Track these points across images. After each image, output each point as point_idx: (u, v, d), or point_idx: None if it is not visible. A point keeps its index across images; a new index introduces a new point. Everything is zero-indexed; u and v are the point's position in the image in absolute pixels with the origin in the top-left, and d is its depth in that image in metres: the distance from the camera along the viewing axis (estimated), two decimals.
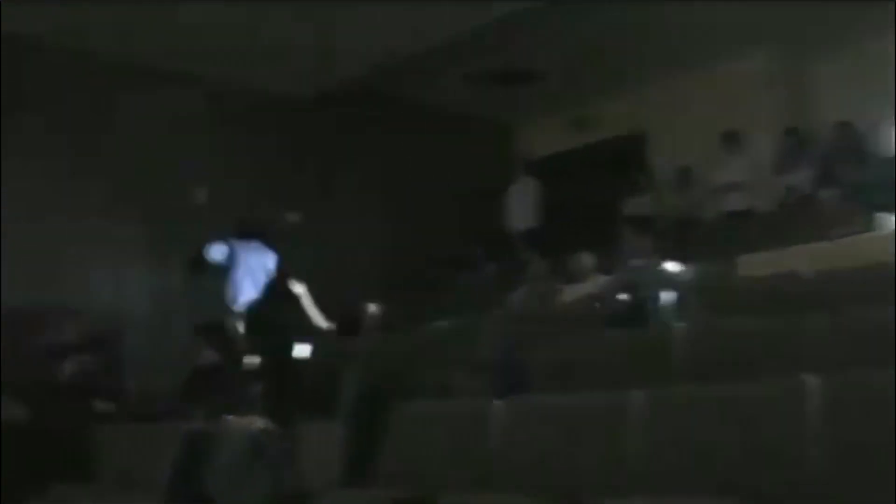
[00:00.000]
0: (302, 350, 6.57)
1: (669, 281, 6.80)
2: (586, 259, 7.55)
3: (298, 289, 6.92)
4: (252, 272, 7.44)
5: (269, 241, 7.76)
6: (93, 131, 10.22)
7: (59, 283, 9.84)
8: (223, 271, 7.49)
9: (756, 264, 6.78)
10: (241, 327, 6.41)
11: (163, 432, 4.95)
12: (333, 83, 11.26)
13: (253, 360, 5.45)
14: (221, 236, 7.65)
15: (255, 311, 6.45)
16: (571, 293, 7.46)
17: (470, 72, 11.55)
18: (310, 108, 11.71)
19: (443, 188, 12.93)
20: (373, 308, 8.19)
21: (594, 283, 7.36)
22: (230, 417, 4.95)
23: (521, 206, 11.77)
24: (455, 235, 12.58)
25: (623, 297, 6.37)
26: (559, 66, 11.38)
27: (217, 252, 7.53)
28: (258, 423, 4.91)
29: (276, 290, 6.44)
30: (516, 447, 3.71)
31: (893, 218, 7.24)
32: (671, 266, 6.95)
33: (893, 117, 8.96)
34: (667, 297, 6.34)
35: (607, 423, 3.51)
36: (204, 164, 10.90)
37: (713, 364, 4.25)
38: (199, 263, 7.50)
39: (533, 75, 11.74)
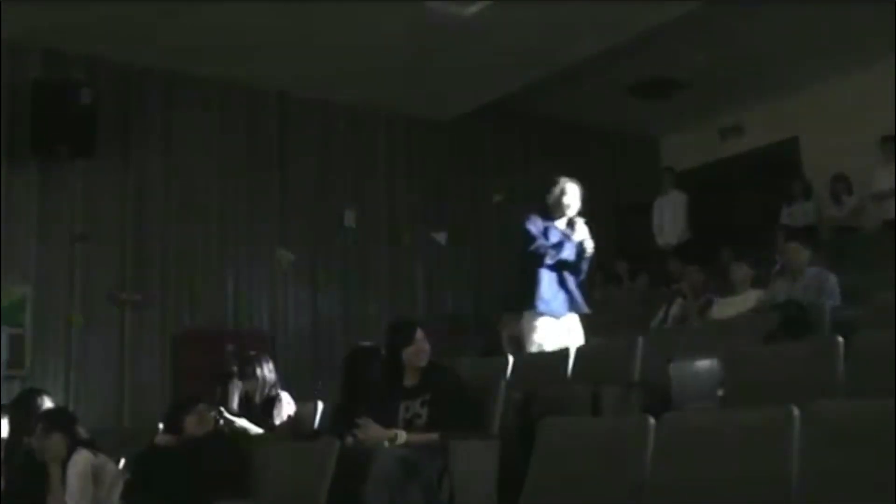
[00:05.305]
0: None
1: (829, 292, 6.60)
2: (742, 271, 7.37)
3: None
4: None
5: None
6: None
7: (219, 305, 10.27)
8: None
9: None
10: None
11: (321, 450, 5.03)
12: (476, 104, 11.35)
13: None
14: None
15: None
16: (726, 306, 7.29)
17: (614, 85, 11.48)
18: (453, 128, 11.84)
19: (590, 202, 12.87)
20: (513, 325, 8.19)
21: (750, 296, 7.18)
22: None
23: (670, 219, 11.64)
24: (605, 250, 12.50)
25: (781, 309, 6.18)
26: (704, 75, 11.21)
27: None
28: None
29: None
30: (670, 465, 3.63)
31: None
32: (830, 277, 6.73)
33: None
34: (827, 308, 6.15)
35: (766, 441, 3.40)
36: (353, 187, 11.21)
37: (878, 378, 4.07)
38: None
39: (677, 86, 11.62)
